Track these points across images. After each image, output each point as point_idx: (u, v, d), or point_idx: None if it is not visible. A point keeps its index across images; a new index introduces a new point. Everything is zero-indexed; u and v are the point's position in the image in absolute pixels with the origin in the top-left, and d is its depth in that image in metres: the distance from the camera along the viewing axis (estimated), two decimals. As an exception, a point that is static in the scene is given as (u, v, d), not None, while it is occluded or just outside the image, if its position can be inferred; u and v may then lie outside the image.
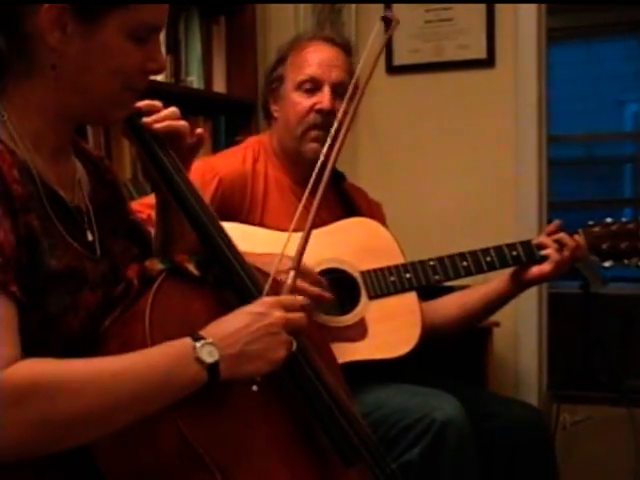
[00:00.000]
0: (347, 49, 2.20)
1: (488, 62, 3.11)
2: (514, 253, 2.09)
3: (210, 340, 1.17)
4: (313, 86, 2.11)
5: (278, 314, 1.24)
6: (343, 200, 2.24)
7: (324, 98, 2.10)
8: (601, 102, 5.90)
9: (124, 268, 1.30)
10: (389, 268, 2.05)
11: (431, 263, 2.07)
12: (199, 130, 1.42)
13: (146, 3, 1.22)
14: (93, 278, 1.25)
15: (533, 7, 3.04)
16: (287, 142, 2.16)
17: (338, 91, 2.10)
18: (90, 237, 1.29)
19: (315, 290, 1.81)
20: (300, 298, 1.31)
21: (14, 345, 1.09)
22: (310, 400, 1.31)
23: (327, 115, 2.08)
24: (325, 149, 1.55)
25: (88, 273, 1.24)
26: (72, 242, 1.23)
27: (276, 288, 1.33)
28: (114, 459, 1.18)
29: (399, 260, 2.09)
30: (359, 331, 1.98)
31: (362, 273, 2.03)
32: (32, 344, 1.11)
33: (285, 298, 1.29)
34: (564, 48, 5.68)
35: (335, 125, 1.62)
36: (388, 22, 1.78)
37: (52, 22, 1.18)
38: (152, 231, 1.48)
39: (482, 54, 3.11)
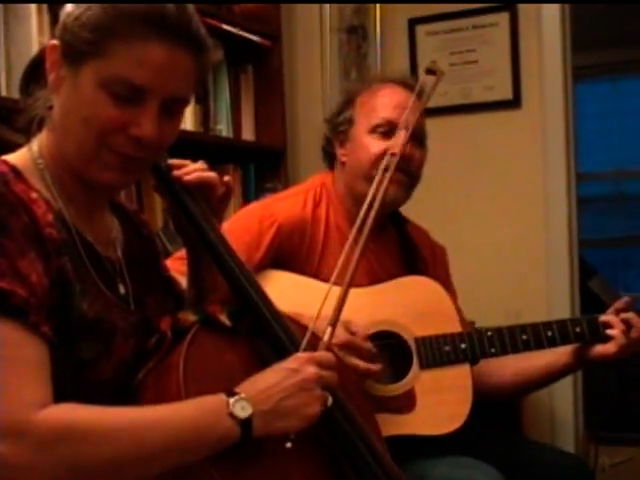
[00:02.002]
0: (419, 93, 2.07)
1: (514, 103, 3.12)
2: (577, 330, 1.98)
3: (244, 395, 1.16)
4: (388, 129, 2.02)
5: (312, 370, 1.22)
6: (405, 243, 2.17)
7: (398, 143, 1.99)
8: (629, 138, 5.87)
9: (157, 320, 1.30)
10: (445, 337, 1.96)
11: (489, 334, 1.98)
12: (226, 178, 1.42)
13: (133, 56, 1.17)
14: (123, 328, 1.25)
15: (557, 46, 3.04)
16: (357, 186, 2.04)
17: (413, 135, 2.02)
18: (122, 290, 1.29)
19: (364, 365, 1.77)
20: (333, 356, 1.29)
21: (46, 387, 1.08)
22: (348, 453, 1.29)
23: (402, 159, 1.97)
24: (368, 199, 1.54)
25: (117, 323, 1.24)
26: (104, 290, 1.24)
27: (314, 343, 1.32)
28: None
29: (456, 326, 2.00)
30: (406, 402, 1.91)
31: (417, 340, 1.95)
32: (64, 390, 1.11)
33: (319, 354, 1.27)
34: (590, 85, 5.68)
35: (377, 178, 1.60)
36: (433, 73, 1.79)
37: (52, 62, 1.21)
38: (184, 283, 1.48)
39: (508, 95, 3.12)
